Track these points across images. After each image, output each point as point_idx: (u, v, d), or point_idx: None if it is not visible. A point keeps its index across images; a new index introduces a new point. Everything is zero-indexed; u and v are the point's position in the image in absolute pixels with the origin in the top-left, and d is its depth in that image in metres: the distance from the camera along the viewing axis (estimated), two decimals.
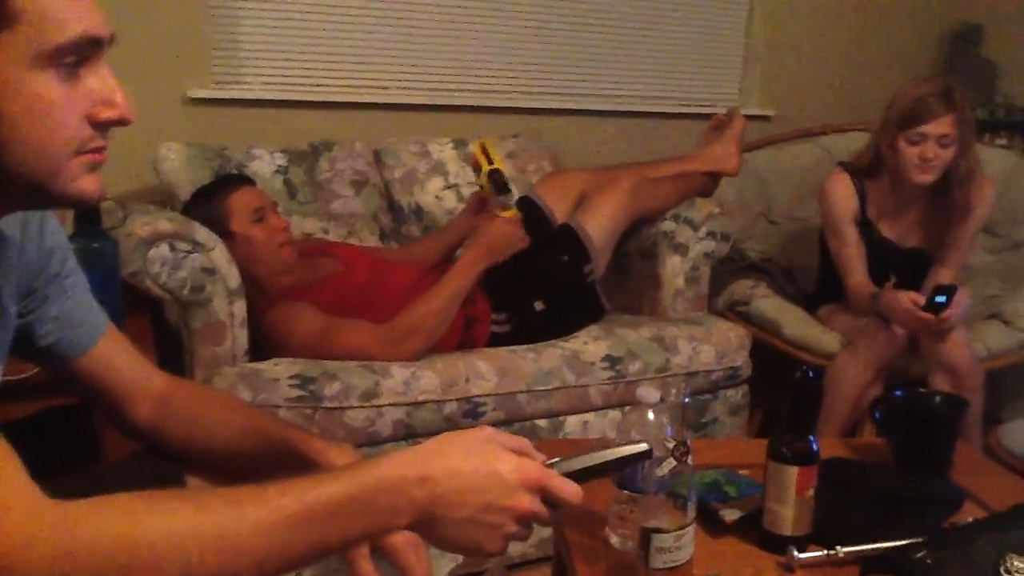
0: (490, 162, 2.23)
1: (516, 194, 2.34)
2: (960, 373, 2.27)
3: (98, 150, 0.82)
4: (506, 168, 2.30)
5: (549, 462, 0.85)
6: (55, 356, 1.04)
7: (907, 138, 2.32)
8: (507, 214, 2.21)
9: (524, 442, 0.86)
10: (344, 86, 2.84)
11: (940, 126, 2.29)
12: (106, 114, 0.81)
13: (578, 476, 0.85)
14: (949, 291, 2.18)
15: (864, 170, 2.48)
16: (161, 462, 1.12)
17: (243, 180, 2.24)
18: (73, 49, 0.76)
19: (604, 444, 0.91)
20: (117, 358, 1.09)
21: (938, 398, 1.60)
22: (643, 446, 0.90)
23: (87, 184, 0.82)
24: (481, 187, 2.27)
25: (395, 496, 0.78)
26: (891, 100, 2.39)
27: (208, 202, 2.15)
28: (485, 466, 0.80)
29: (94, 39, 0.78)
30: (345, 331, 2.02)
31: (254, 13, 2.69)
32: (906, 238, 2.49)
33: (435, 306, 2.04)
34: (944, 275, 2.41)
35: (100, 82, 0.80)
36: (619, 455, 0.89)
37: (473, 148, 2.31)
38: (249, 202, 2.15)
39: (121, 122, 0.82)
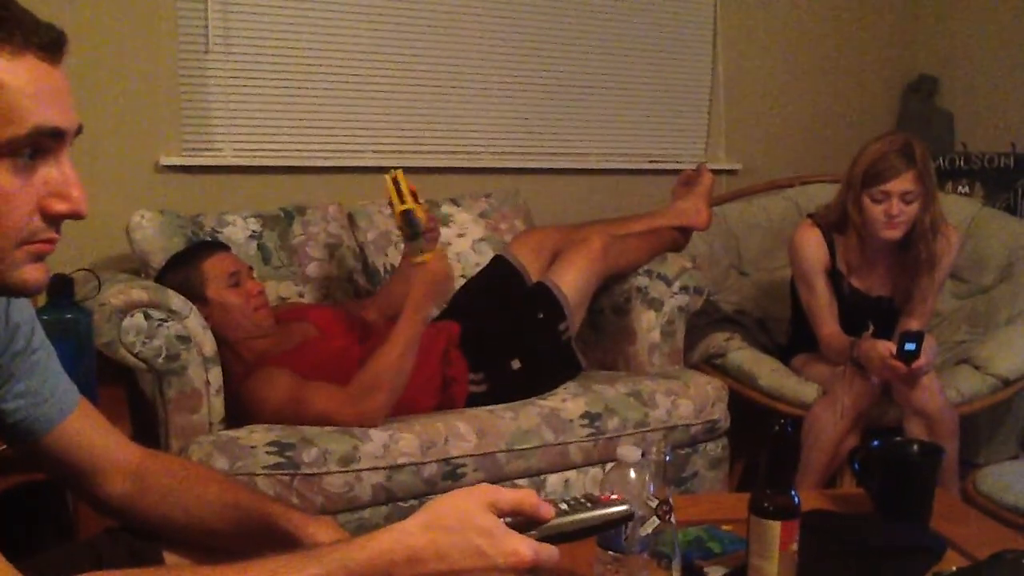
0: (402, 200, 2.09)
1: (434, 230, 2.18)
2: (934, 419, 2.28)
3: (47, 241, 0.81)
4: (421, 205, 2.13)
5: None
6: (23, 433, 1.03)
7: (871, 196, 2.36)
8: (423, 258, 2.07)
9: (525, 498, 0.82)
10: (315, 151, 2.86)
11: (903, 183, 2.33)
12: (58, 207, 0.80)
13: (560, 538, 0.84)
14: (918, 337, 2.21)
15: (833, 225, 2.52)
16: (137, 539, 1.09)
17: (217, 246, 2.24)
18: (28, 142, 0.76)
19: (589, 499, 0.88)
20: (88, 433, 1.07)
21: (915, 447, 1.61)
22: (624, 507, 0.88)
23: (30, 273, 0.81)
24: (399, 227, 2.15)
25: None
26: (853, 160, 2.44)
27: (183, 268, 2.14)
28: (474, 547, 0.78)
29: (54, 131, 0.78)
30: (312, 396, 2.00)
31: (224, 80, 2.71)
32: (874, 288, 2.53)
33: (389, 360, 1.99)
34: (912, 326, 2.44)
35: (58, 174, 0.79)
36: (601, 518, 0.87)
37: (386, 183, 2.14)
38: (224, 267, 2.15)
39: (74, 216, 0.81)
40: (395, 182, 2.11)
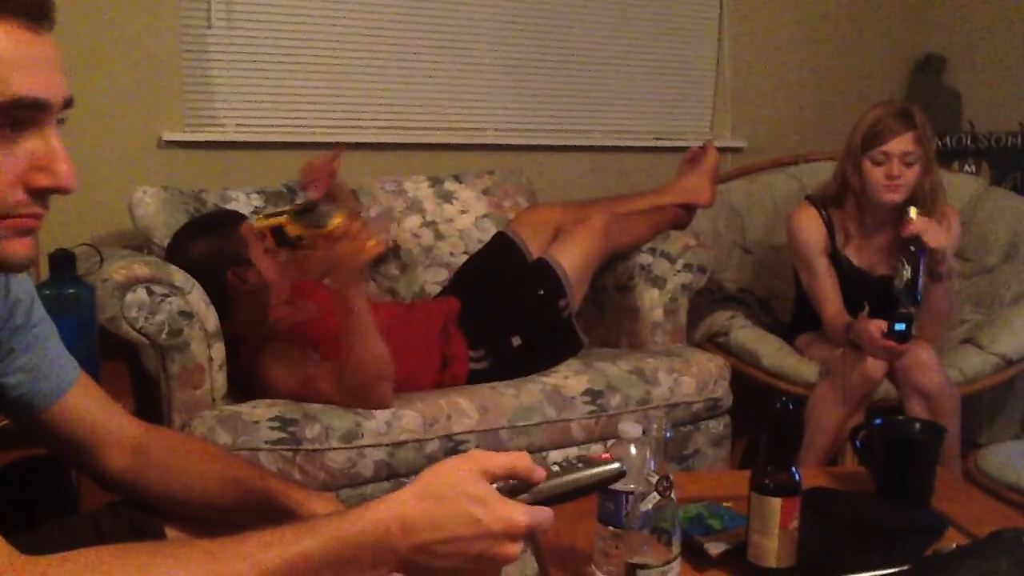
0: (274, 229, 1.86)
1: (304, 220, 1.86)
2: (934, 397, 2.28)
3: (32, 216, 0.78)
4: (287, 212, 1.87)
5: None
6: (23, 407, 1.03)
7: (872, 159, 2.36)
8: (305, 252, 1.90)
9: (518, 461, 0.83)
10: (319, 126, 2.85)
11: (902, 143, 2.33)
12: (42, 181, 0.77)
13: (554, 500, 0.84)
14: (907, 318, 2.20)
15: (830, 200, 2.51)
16: (138, 513, 1.10)
17: (240, 214, 2.23)
18: (6, 112, 0.73)
19: (582, 460, 0.89)
20: (88, 407, 1.08)
21: (917, 426, 1.62)
22: (615, 465, 0.88)
23: (13, 247, 0.78)
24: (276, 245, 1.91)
25: (378, 549, 0.78)
26: (852, 128, 2.44)
27: (213, 236, 2.10)
28: (469, 515, 0.78)
29: (35, 102, 0.75)
30: (320, 381, 1.98)
31: (227, 55, 2.70)
32: (876, 266, 2.52)
33: (359, 357, 1.90)
34: None
35: (43, 147, 0.77)
36: (593, 477, 0.87)
37: (258, 227, 1.92)
38: (256, 236, 2.13)
39: (59, 190, 0.78)
40: (262, 231, 1.89)
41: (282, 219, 1.83)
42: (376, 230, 1.87)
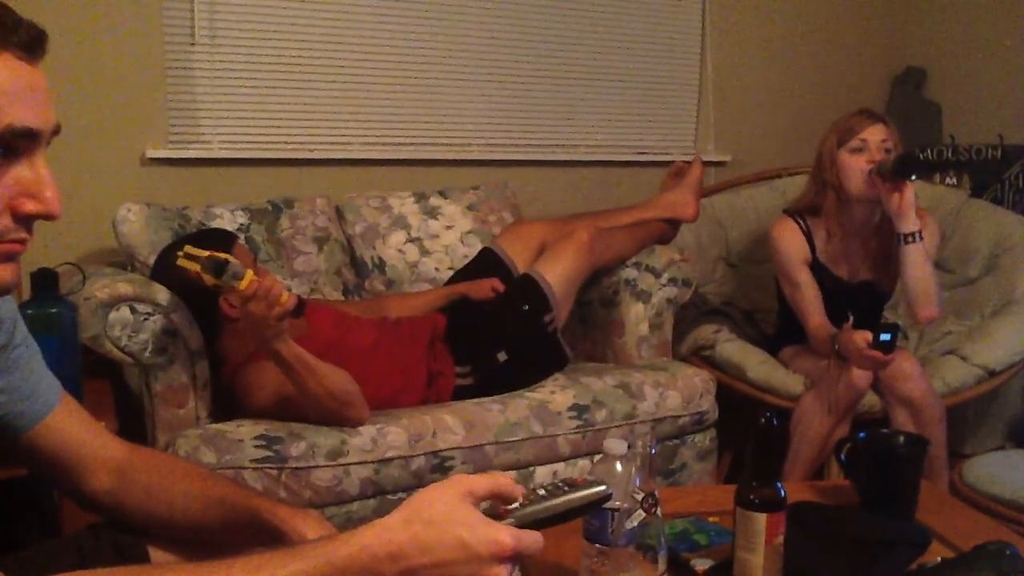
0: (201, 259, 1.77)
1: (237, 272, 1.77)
2: (918, 407, 2.29)
3: (17, 241, 0.80)
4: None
5: (509, 507, 0.84)
6: (5, 429, 1.02)
7: (850, 149, 2.39)
8: (238, 291, 1.76)
9: (500, 481, 0.84)
10: (302, 143, 2.85)
11: (878, 132, 2.39)
12: (29, 207, 0.78)
13: (539, 524, 0.84)
14: (893, 328, 2.22)
15: (807, 210, 2.53)
16: (121, 535, 1.09)
17: (231, 235, 2.19)
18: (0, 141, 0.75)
19: (567, 483, 0.89)
20: (71, 428, 1.07)
21: (901, 439, 1.62)
22: (602, 488, 0.88)
23: None
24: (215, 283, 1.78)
25: (365, 573, 0.77)
26: (823, 137, 2.50)
27: None
28: (457, 539, 0.78)
29: (28, 131, 0.77)
30: (297, 402, 1.95)
31: (211, 72, 2.70)
32: (856, 273, 2.53)
33: (315, 393, 1.88)
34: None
35: (31, 174, 0.78)
36: (579, 500, 0.87)
37: (186, 266, 1.78)
38: (249, 258, 2.11)
39: (46, 216, 0.80)
40: (191, 257, 1.78)
41: (196, 267, 1.76)
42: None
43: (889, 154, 2.38)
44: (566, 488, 0.88)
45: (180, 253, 1.78)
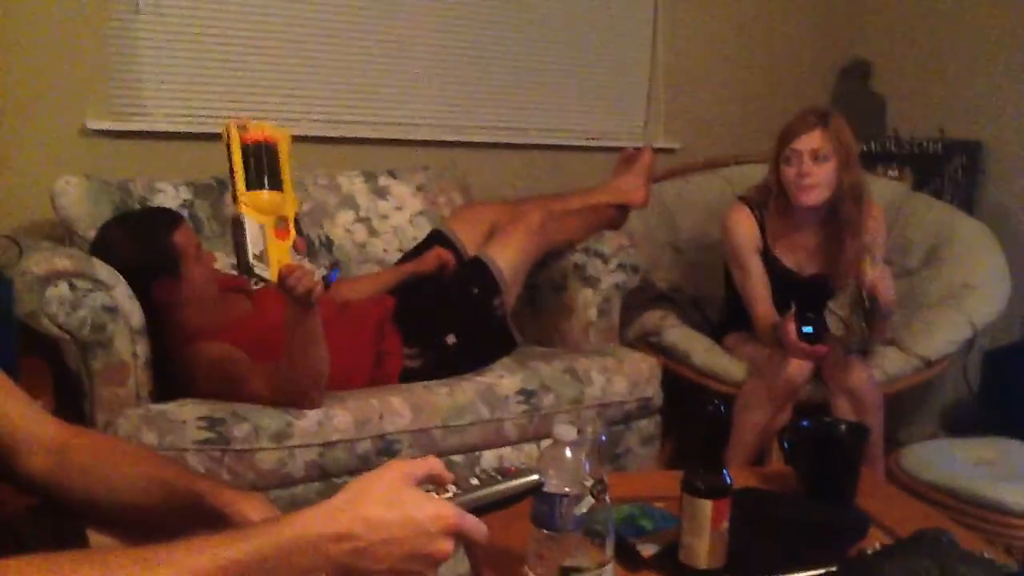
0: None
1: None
2: (859, 395, 2.34)
3: None
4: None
5: (447, 496, 0.87)
6: None
7: (784, 158, 2.41)
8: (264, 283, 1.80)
9: (433, 464, 0.86)
10: (251, 118, 2.78)
11: (811, 140, 2.36)
12: None
13: (475, 511, 0.86)
14: (816, 322, 2.24)
15: (762, 202, 2.55)
16: (60, 518, 1.06)
17: (175, 216, 2.12)
18: None
19: (500, 472, 0.92)
20: (6, 407, 1.04)
21: (842, 427, 1.65)
22: (534, 477, 0.92)
23: None
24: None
25: (312, 555, 0.77)
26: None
27: (148, 243, 2.02)
28: (403, 515, 0.80)
29: None
30: (250, 380, 1.94)
31: (156, 42, 2.63)
32: (806, 266, 2.57)
33: (302, 364, 1.88)
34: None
35: None
36: (511, 489, 0.90)
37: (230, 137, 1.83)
38: (192, 240, 2.07)
39: None
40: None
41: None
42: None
43: (822, 167, 2.37)
44: (499, 477, 0.91)
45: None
